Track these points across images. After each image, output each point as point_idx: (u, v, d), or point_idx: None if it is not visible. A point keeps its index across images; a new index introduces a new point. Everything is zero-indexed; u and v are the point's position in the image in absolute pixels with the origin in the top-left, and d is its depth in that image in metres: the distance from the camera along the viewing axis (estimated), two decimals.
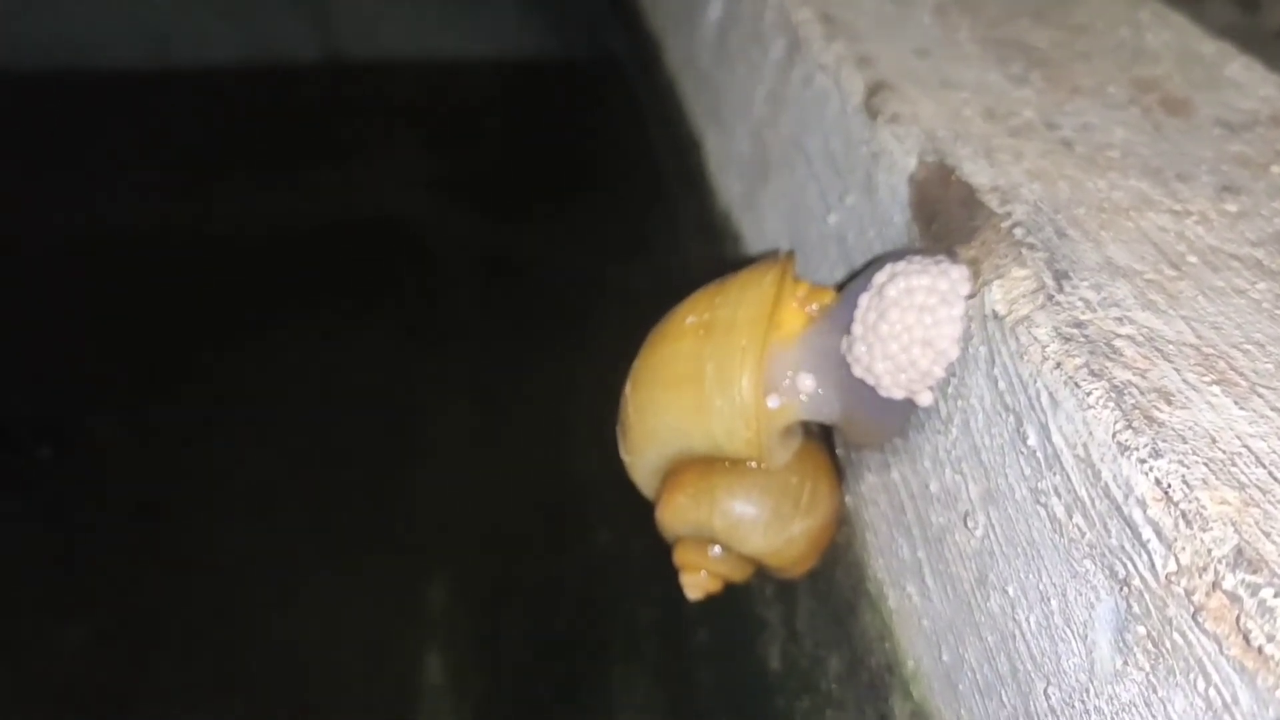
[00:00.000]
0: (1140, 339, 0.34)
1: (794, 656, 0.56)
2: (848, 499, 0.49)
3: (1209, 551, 0.27)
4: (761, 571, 0.50)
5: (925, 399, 0.41)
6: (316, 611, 1.09)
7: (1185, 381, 0.32)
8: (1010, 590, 0.36)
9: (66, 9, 1.84)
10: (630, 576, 0.74)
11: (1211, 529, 0.27)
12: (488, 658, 0.98)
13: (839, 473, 0.49)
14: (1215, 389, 0.31)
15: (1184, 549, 0.28)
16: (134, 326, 1.39)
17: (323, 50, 1.83)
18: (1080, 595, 0.32)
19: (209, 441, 1.28)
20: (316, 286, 1.40)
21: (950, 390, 0.40)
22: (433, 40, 1.77)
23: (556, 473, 0.95)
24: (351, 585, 1.10)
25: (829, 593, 0.52)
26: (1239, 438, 0.30)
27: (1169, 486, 0.29)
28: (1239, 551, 0.26)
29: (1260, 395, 0.31)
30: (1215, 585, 0.27)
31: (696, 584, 0.49)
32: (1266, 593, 0.25)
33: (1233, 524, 0.27)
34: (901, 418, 0.43)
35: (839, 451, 0.50)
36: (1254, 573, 0.26)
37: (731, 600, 0.51)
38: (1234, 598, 0.26)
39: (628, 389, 0.47)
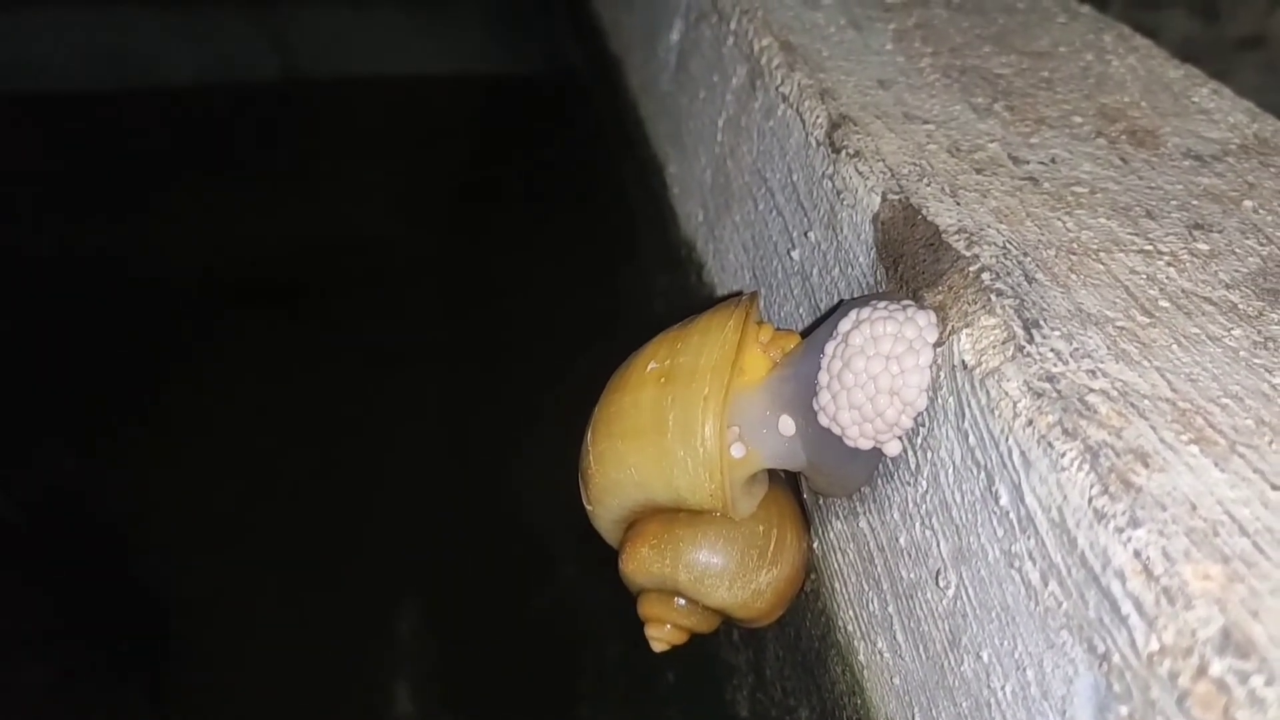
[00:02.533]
0: (1114, 393, 0.32)
1: (763, 705, 0.55)
2: (815, 545, 0.48)
3: (1194, 632, 0.26)
4: (728, 621, 0.48)
5: (893, 449, 0.39)
6: (283, 643, 1.07)
7: (1162, 441, 0.30)
8: (984, 655, 0.34)
9: (22, 31, 1.81)
10: (598, 611, 0.73)
11: (1195, 607, 0.26)
12: (455, 691, 0.96)
13: (805, 518, 0.48)
14: (1194, 449, 0.30)
15: (1166, 628, 0.26)
16: (89, 351, 1.36)
17: (281, 69, 1.80)
18: (1058, 668, 0.30)
19: (168, 471, 1.25)
20: (277, 309, 1.37)
21: (919, 441, 0.38)
22: (393, 58, 1.75)
23: (524, 502, 0.93)
24: (318, 615, 1.08)
25: (797, 641, 0.50)
26: (1220, 504, 0.28)
27: (1148, 559, 0.27)
28: (1226, 634, 0.25)
29: (1240, 455, 0.30)
30: (1202, 670, 0.25)
31: (661, 637, 0.47)
32: (1256, 681, 0.24)
33: (1218, 602, 0.26)
34: (869, 467, 0.41)
35: (805, 496, 0.49)
36: (1243, 658, 0.25)
37: (699, 643, 0.49)
38: (1222, 686, 0.25)
39: (588, 438, 0.46)
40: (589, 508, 0.47)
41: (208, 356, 1.33)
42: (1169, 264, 0.39)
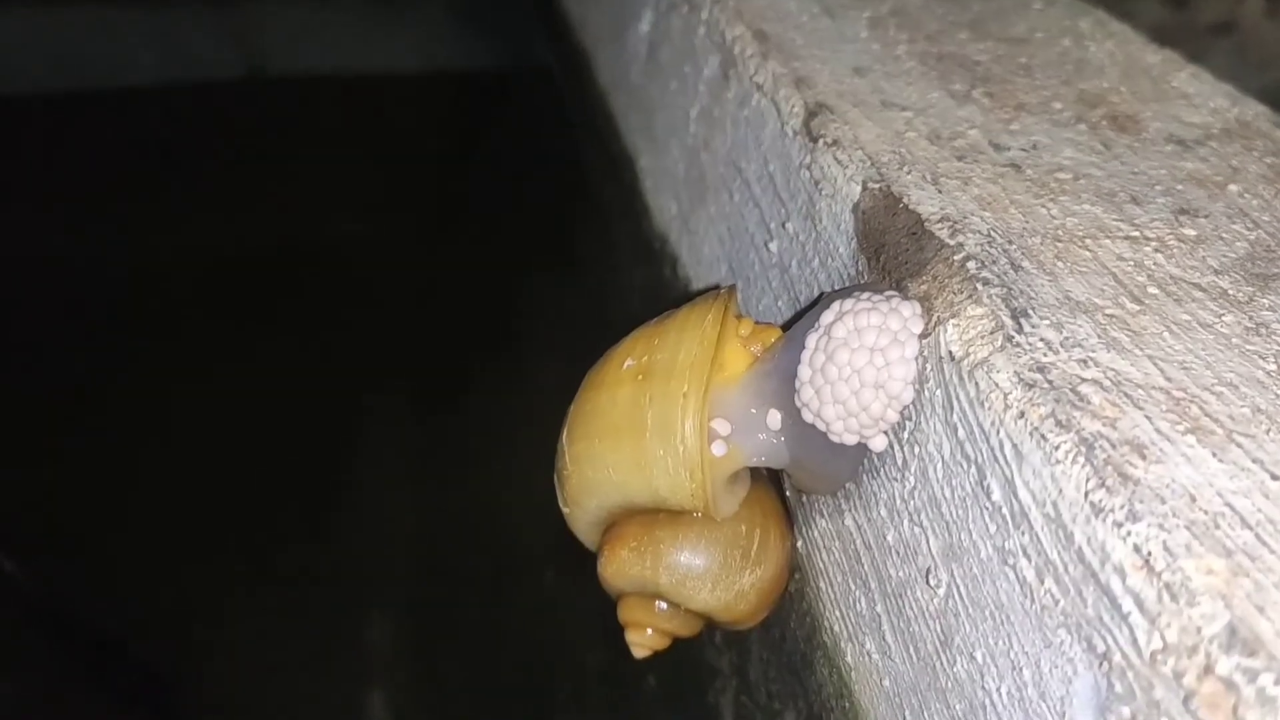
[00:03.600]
0: (1107, 383, 0.31)
1: (748, 709, 0.54)
2: (799, 544, 0.47)
3: (1198, 630, 0.25)
4: (711, 624, 0.47)
5: (878, 444, 0.38)
6: (255, 651, 1.05)
7: (1158, 431, 0.29)
8: (978, 656, 0.33)
9: None
10: (576, 616, 0.71)
11: (1199, 603, 0.25)
12: (430, 699, 0.94)
13: (789, 516, 0.47)
14: (1190, 439, 0.29)
15: (1170, 625, 0.25)
16: (50, 359, 1.33)
17: (245, 68, 1.77)
18: (1056, 668, 0.29)
19: (138, 478, 1.23)
20: (244, 314, 1.35)
21: (906, 435, 0.37)
22: (359, 55, 1.72)
23: (499, 506, 0.92)
24: (291, 624, 1.06)
25: (782, 643, 0.49)
26: (1220, 495, 0.27)
27: (1149, 554, 0.26)
28: (1232, 630, 0.24)
29: (1238, 444, 0.29)
30: (1208, 669, 0.24)
31: (642, 642, 0.46)
32: (1266, 679, 0.23)
33: (1222, 597, 0.25)
34: (854, 463, 0.40)
35: (788, 493, 0.47)
36: (1250, 655, 0.24)
37: (681, 646, 0.48)
38: (1230, 685, 0.24)
39: (564, 438, 0.44)
40: (565, 510, 0.46)
41: (173, 363, 1.30)
42: (1156, 250, 0.38)
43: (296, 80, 1.70)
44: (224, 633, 1.07)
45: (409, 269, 1.35)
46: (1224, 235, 0.39)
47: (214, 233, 1.47)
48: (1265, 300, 0.36)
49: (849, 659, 0.43)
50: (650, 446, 0.41)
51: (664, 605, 0.45)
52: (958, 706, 0.35)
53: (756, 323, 0.43)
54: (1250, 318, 0.35)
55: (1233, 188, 0.43)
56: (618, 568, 0.44)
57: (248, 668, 1.04)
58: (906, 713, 0.38)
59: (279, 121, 1.66)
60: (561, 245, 1.04)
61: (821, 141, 0.46)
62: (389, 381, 1.19)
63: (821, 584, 0.45)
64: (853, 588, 0.42)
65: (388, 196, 1.47)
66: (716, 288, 0.45)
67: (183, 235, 1.47)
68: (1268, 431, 0.30)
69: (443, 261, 1.32)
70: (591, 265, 0.95)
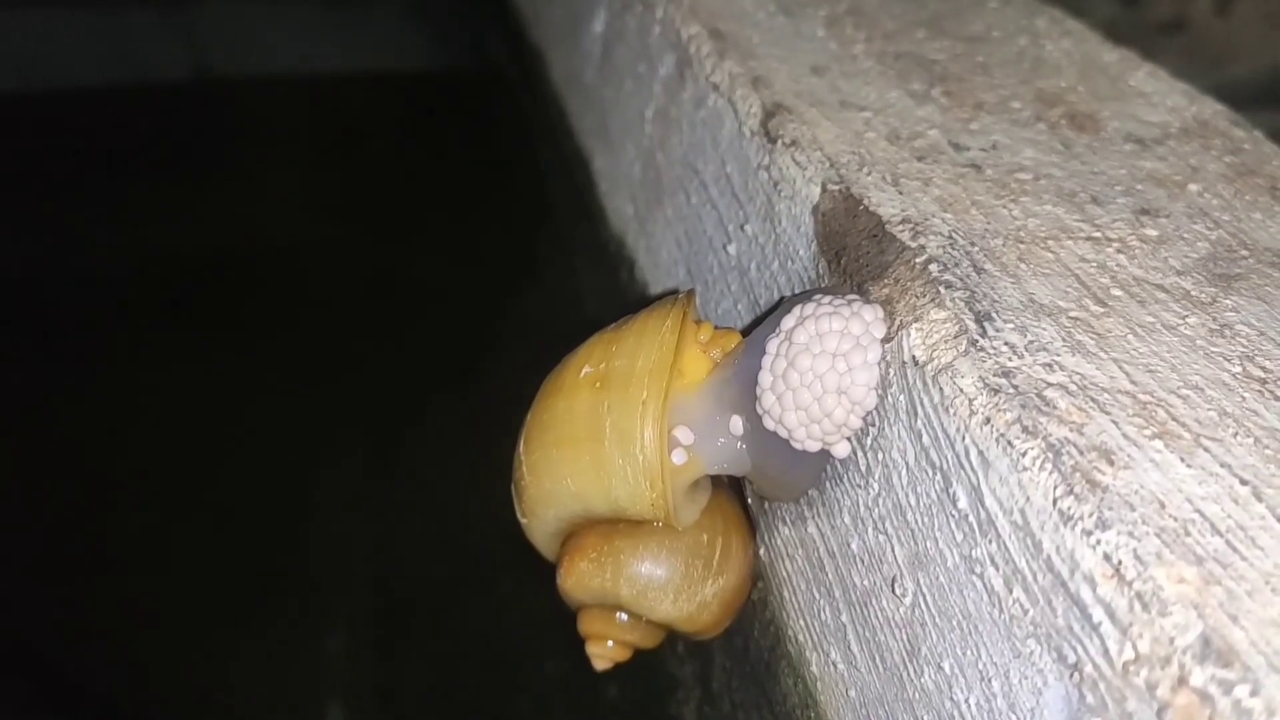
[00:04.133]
0: (1073, 387, 0.31)
1: (711, 719, 0.53)
2: (762, 552, 0.46)
3: (1171, 640, 0.24)
4: (673, 635, 0.46)
5: (842, 450, 0.38)
6: (212, 664, 1.02)
7: (1125, 436, 0.29)
8: (946, 666, 0.33)
9: None
10: (536, 626, 0.70)
11: (1172, 613, 0.24)
12: (389, 710, 0.93)
13: (751, 524, 0.46)
14: (1158, 443, 0.29)
15: (1142, 635, 0.25)
16: None
17: (193, 69, 1.73)
18: (1025, 679, 0.29)
19: (87, 488, 1.20)
20: (194, 320, 1.32)
21: (869, 442, 0.37)
22: (310, 55, 1.70)
23: (456, 514, 0.90)
24: (247, 636, 1.03)
25: (746, 652, 0.49)
26: (1189, 500, 0.27)
27: (1120, 563, 0.26)
28: (1206, 640, 0.24)
29: (1205, 449, 0.29)
30: (1182, 680, 0.24)
31: (603, 655, 0.45)
32: (1241, 691, 0.23)
33: (1195, 606, 0.24)
34: (816, 470, 0.40)
35: (750, 500, 0.47)
36: (1225, 666, 0.23)
37: (643, 655, 0.47)
38: (1205, 696, 0.23)
39: (520, 448, 0.43)
40: (523, 520, 0.45)
41: (121, 371, 1.27)
42: (1119, 251, 0.38)
43: (247, 82, 1.67)
44: (176, 644, 1.04)
45: (364, 273, 1.33)
46: (1185, 235, 0.39)
47: (164, 238, 1.44)
48: (1228, 301, 0.35)
49: (814, 669, 0.42)
50: (609, 455, 0.40)
51: (625, 617, 0.44)
52: (925, 718, 0.34)
53: (716, 327, 0.42)
54: (1214, 319, 0.34)
55: (1192, 187, 0.42)
56: (577, 579, 0.43)
57: (202, 679, 1.02)
58: None
59: (229, 124, 1.63)
60: (517, 248, 1.02)
61: (780, 142, 0.46)
62: (345, 387, 1.17)
63: (785, 592, 0.45)
64: (817, 596, 0.42)
65: (341, 199, 1.45)
66: (675, 292, 0.45)
67: (131, 240, 1.44)
68: (1235, 435, 0.29)
69: (398, 265, 1.30)
70: (547, 268, 0.94)
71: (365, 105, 1.59)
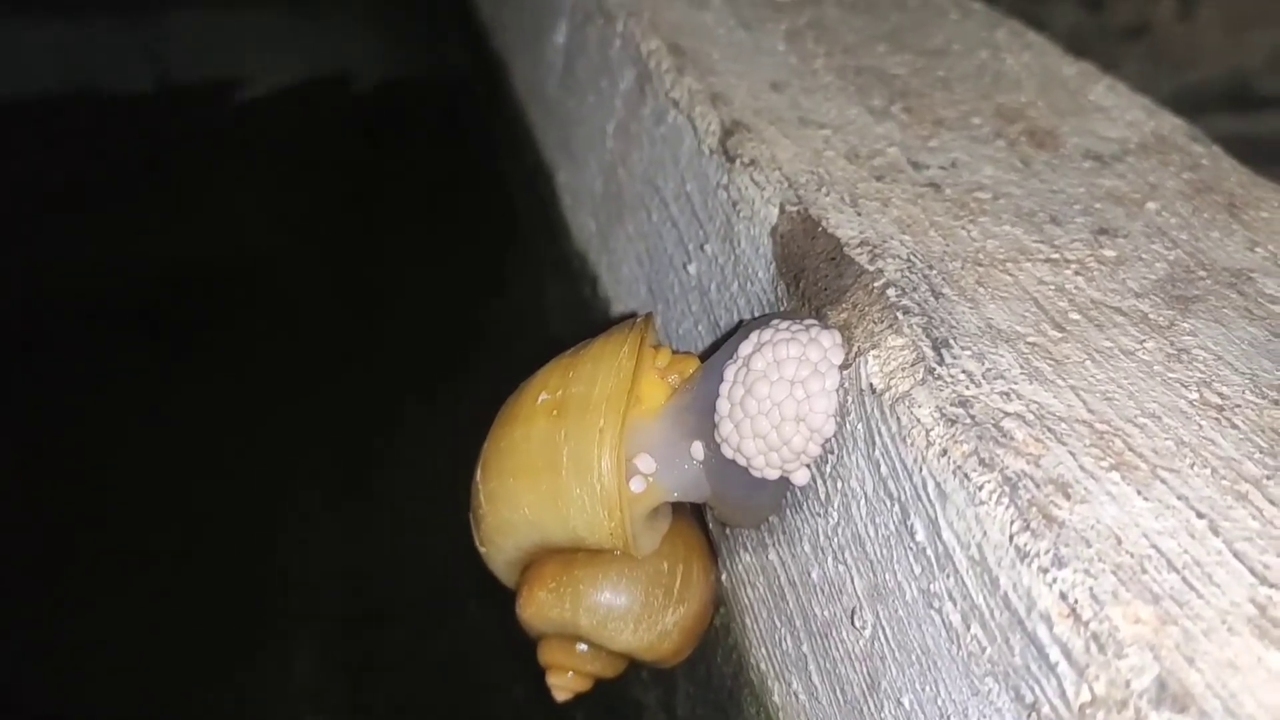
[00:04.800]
0: (1030, 417, 0.30)
1: None
2: (723, 578, 0.45)
3: (1127, 683, 0.24)
4: (635, 663, 0.45)
5: (801, 477, 0.37)
6: (176, 686, 1.01)
7: (1082, 468, 0.28)
8: (905, 701, 0.32)
9: None
10: (506, 650, 0.69)
11: (1128, 655, 0.24)
12: None
13: (712, 549, 0.45)
14: (1114, 475, 0.28)
15: (1098, 678, 0.24)
16: None
17: (154, 78, 1.71)
18: (984, 718, 0.28)
19: (46, 507, 1.18)
20: (154, 335, 1.30)
21: (829, 469, 0.36)
22: (271, 65, 1.68)
23: (424, 535, 0.89)
24: (213, 657, 1.02)
25: (709, 679, 0.48)
26: (1146, 536, 0.27)
27: (1076, 601, 0.25)
28: (1162, 684, 0.23)
29: (1162, 480, 0.28)
30: None
31: (564, 685, 0.44)
32: None
33: (1151, 648, 0.24)
34: (776, 497, 0.39)
35: (711, 525, 0.46)
36: (1181, 711, 0.23)
37: (606, 682, 0.46)
38: None
39: (478, 476, 0.43)
40: (482, 549, 0.44)
41: (78, 391, 1.25)
42: (1077, 273, 0.37)
43: (206, 91, 1.65)
44: (139, 665, 1.02)
45: (322, 287, 1.31)
46: (1143, 256, 0.39)
47: (123, 250, 1.41)
48: (1186, 324, 0.35)
49: (776, 698, 0.42)
50: (566, 485, 0.39)
51: (585, 647, 0.43)
52: None
53: (674, 352, 0.42)
54: (1171, 343, 0.34)
55: (1151, 205, 0.42)
56: (536, 610, 0.42)
57: (164, 701, 1.00)
58: None
59: (192, 134, 1.61)
60: (483, 262, 1.01)
61: (739, 161, 0.45)
62: (311, 404, 1.15)
63: (747, 620, 0.44)
64: (778, 625, 0.41)
65: (302, 211, 1.43)
66: (634, 315, 0.44)
67: (89, 253, 1.42)
68: (1191, 466, 0.29)
69: (357, 279, 1.29)
70: (513, 283, 0.93)
71: (327, 115, 1.57)
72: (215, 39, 1.71)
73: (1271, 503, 0.28)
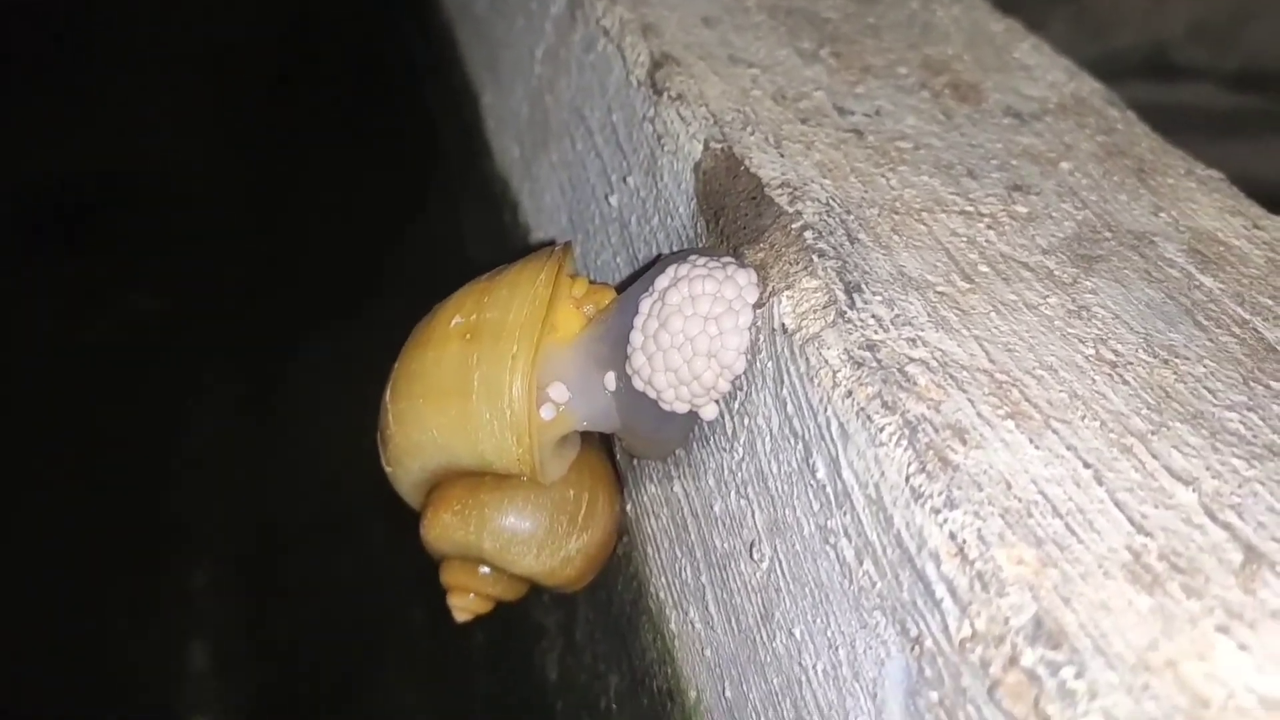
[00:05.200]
0: (934, 364, 0.31)
1: (573, 670, 0.53)
2: (628, 507, 0.46)
3: (1006, 620, 0.25)
4: (536, 588, 0.46)
5: (709, 412, 0.38)
6: (73, 602, 0.99)
7: (980, 415, 0.29)
8: (797, 632, 0.33)
9: None
10: (404, 576, 0.69)
11: (1008, 594, 0.25)
12: (253, 652, 0.91)
13: (619, 479, 0.46)
14: (1010, 424, 0.29)
15: (979, 614, 0.25)
16: None
17: None
18: (870, 649, 0.29)
19: None
20: (62, 244, 1.25)
21: (736, 406, 0.37)
22: None
23: (328, 458, 0.88)
24: (112, 584, 1.00)
25: (609, 605, 0.49)
26: (1034, 482, 0.28)
27: (964, 542, 0.26)
28: (1038, 622, 0.24)
29: (1054, 430, 0.29)
30: (1013, 660, 0.24)
31: (464, 607, 0.45)
32: (1068, 672, 0.23)
33: (1030, 588, 0.25)
34: (684, 430, 0.40)
35: (619, 456, 0.47)
36: (1054, 648, 0.24)
37: (507, 605, 0.47)
38: (1033, 676, 0.24)
39: (387, 396, 0.42)
40: (388, 469, 0.44)
41: None
42: (989, 226, 0.38)
43: None
44: (38, 596, 1.00)
45: (241, 202, 1.27)
46: (1053, 214, 0.40)
47: (33, 158, 1.35)
48: (1088, 283, 0.36)
49: (673, 626, 0.43)
50: (476, 409, 0.39)
51: (487, 570, 0.44)
52: (775, 681, 0.35)
53: (591, 282, 0.42)
54: (1073, 300, 0.35)
55: (1064, 165, 0.43)
56: (440, 531, 0.42)
57: (61, 618, 0.98)
58: (726, 684, 0.38)
59: (99, 38, 1.53)
60: (399, 182, 0.99)
61: (666, 95, 0.45)
62: (217, 320, 1.12)
63: (649, 549, 0.45)
64: (679, 555, 0.42)
65: (218, 119, 1.38)
66: (553, 243, 0.44)
67: None
68: (1083, 418, 0.30)
69: (276, 195, 1.25)
70: (431, 207, 0.91)
71: (243, 21, 1.51)
72: None
73: (1154, 456, 0.29)
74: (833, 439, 0.31)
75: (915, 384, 0.30)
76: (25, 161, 1.33)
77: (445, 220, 0.82)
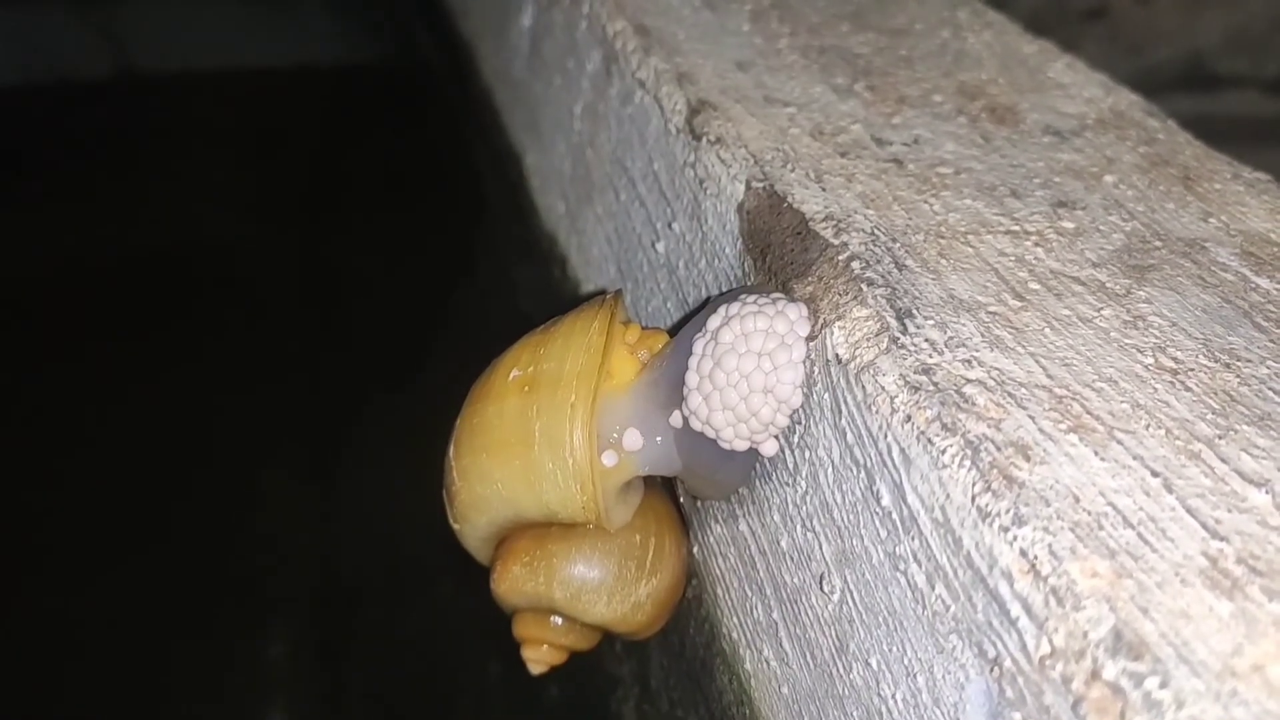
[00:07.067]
0: (991, 383, 0.31)
1: (650, 717, 0.53)
2: (695, 550, 0.46)
3: (1085, 634, 0.25)
4: (609, 635, 0.46)
5: (769, 448, 0.38)
6: (152, 670, 1.00)
7: (1041, 431, 0.29)
8: (873, 662, 0.33)
9: None
10: (477, 627, 0.70)
11: (1085, 607, 0.25)
12: (329, 713, 0.92)
13: (684, 522, 0.46)
14: (1073, 437, 0.29)
15: (1057, 630, 0.25)
16: None
17: (113, 66, 1.69)
18: (949, 674, 0.29)
19: (20, 495, 1.17)
20: (121, 325, 1.29)
21: (796, 440, 0.37)
22: (233, 51, 1.66)
23: (394, 517, 0.89)
24: (187, 642, 1.02)
25: (682, 650, 0.49)
26: (1103, 494, 0.27)
27: (1035, 558, 0.26)
28: (1117, 634, 0.24)
29: (1119, 441, 0.29)
30: (1095, 674, 0.24)
31: (539, 659, 0.45)
32: (1152, 683, 0.23)
33: (1107, 600, 0.25)
34: (745, 468, 0.40)
35: (683, 498, 0.47)
36: (1136, 659, 0.23)
37: (581, 654, 0.47)
38: (1117, 689, 0.23)
39: (451, 453, 0.43)
40: (455, 526, 0.44)
41: (51, 377, 1.24)
42: (1036, 244, 0.38)
43: (168, 79, 1.63)
44: (115, 651, 1.02)
45: (291, 274, 1.30)
46: (1101, 227, 0.40)
47: (85, 241, 1.40)
48: (1142, 292, 0.36)
49: (748, 665, 0.42)
50: (539, 460, 0.40)
51: (559, 620, 0.44)
52: (855, 713, 0.34)
53: (644, 328, 0.42)
54: (1128, 310, 0.35)
55: (1108, 178, 0.43)
56: (510, 584, 0.43)
57: (140, 685, 1.00)
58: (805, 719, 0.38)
59: (154, 122, 1.59)
60: (451, 246, 1.01)
61: (705, 139, 0.46)
62: (280, 390, 1.15)
63: (719, 590, 0.45)
64: (749, 594, 0.42)
65: (268, 197, 1.42)
66: (603, 292, 0.44)
67: (52, 245, 1.40)
68: (1147, 427, 0.30)
69: (329, 264, 1.28)
70: (481, 266, 0.93)
71: (291, 101, 1.56)
72: (173, 25, 1.69)
73: (1223, 460, 0.28)
74: (895, 465, 0.31)
75: (974, 404, 0.30)
76: (86, 241, 1.37)
77: (496, 279, 0.84)
